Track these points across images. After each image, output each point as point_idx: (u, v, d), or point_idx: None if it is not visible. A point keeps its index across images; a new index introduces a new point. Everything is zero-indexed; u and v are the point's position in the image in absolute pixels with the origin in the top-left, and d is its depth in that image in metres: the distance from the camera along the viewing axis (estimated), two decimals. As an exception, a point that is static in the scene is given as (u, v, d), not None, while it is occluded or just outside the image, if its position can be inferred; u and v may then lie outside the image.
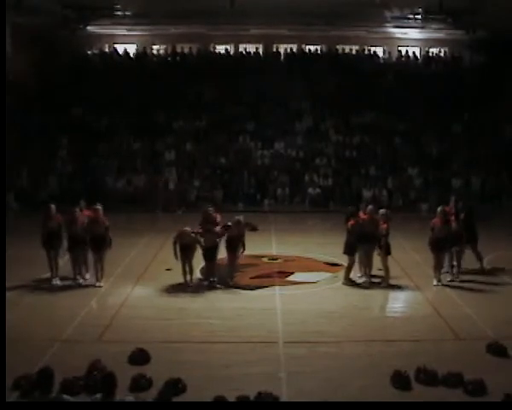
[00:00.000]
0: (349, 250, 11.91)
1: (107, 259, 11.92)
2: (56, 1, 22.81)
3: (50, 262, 11.93)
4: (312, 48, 27.63)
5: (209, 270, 11.98)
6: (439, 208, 12.02)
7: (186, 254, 11.57)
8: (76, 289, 11.55)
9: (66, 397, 5.80)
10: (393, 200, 21.08)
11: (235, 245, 11.84)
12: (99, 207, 11.94)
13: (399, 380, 7.68)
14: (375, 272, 12.33)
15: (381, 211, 12.21)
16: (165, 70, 26.22)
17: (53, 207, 11.97)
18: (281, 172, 22.50)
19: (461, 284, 12.03)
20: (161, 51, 28.08)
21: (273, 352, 8.81)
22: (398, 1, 23.41)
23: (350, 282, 11.99)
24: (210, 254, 11.74)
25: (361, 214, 12.21)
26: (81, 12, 24.41)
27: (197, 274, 12.35)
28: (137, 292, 11.60)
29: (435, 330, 9.72)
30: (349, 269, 12.02)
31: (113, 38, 28.10)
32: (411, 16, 24.75)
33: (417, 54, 27.94)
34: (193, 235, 11.54)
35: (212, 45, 27.90)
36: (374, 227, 11.67)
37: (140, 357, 8.34)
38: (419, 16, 24.50)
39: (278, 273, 12.79)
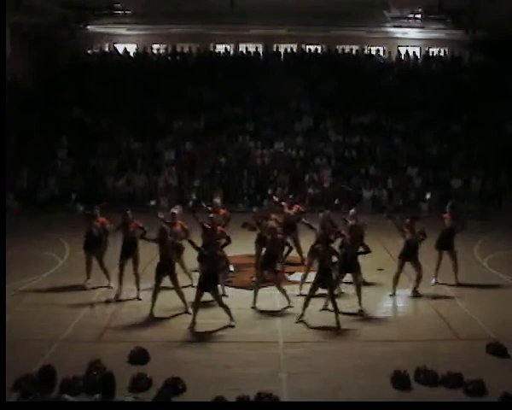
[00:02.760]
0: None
1: (106, 259, 11.82)
2: (56, 1, 22.80)
3: (122, 272, 11.24)
4: (312, 48, 27.61)
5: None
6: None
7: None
8: (75, 289, 11.52)
9: (65, 397, 5.79)
10: (393, 200, 21.05)
11: None
12: (176, 210, 11.64)
13: (399, 380, 7.69)
14: (374, 272, 12.39)
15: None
16: (165, 70, 26.20)
17: (129, 212, 11.34)
18: (281, 172, 22.48)
19: (461, 284, 12.02)
20: (161, 51, 28.09)
21: (273, 352, 8.81)
22: (398, 1, 23.40)
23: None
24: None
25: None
26: (81, 12, 24.41)
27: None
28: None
29: (435, 330, 9.73)
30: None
31: (113, 38, 28.08)
32: (411, 16, 24.75)
33: (417, 54, 27.94)
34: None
35: (212, 45, 27.90)
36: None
37: (139, 357, 8.34)
38: (419, 16, 24.49)
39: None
